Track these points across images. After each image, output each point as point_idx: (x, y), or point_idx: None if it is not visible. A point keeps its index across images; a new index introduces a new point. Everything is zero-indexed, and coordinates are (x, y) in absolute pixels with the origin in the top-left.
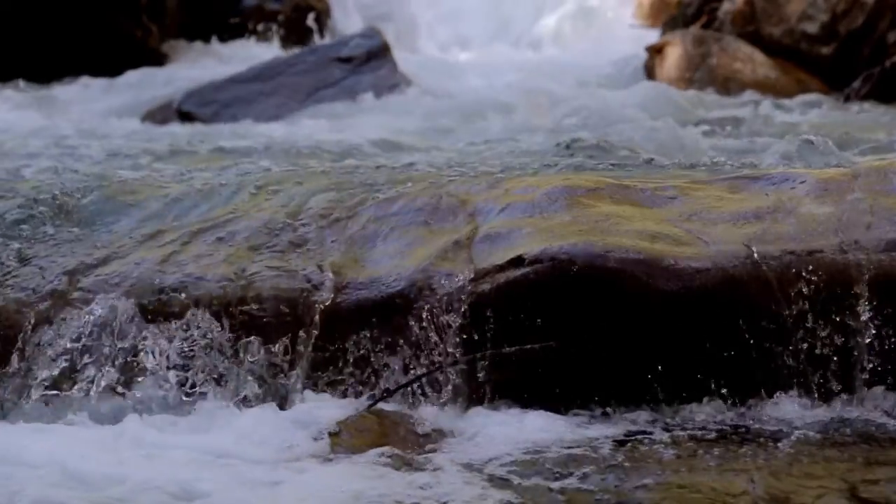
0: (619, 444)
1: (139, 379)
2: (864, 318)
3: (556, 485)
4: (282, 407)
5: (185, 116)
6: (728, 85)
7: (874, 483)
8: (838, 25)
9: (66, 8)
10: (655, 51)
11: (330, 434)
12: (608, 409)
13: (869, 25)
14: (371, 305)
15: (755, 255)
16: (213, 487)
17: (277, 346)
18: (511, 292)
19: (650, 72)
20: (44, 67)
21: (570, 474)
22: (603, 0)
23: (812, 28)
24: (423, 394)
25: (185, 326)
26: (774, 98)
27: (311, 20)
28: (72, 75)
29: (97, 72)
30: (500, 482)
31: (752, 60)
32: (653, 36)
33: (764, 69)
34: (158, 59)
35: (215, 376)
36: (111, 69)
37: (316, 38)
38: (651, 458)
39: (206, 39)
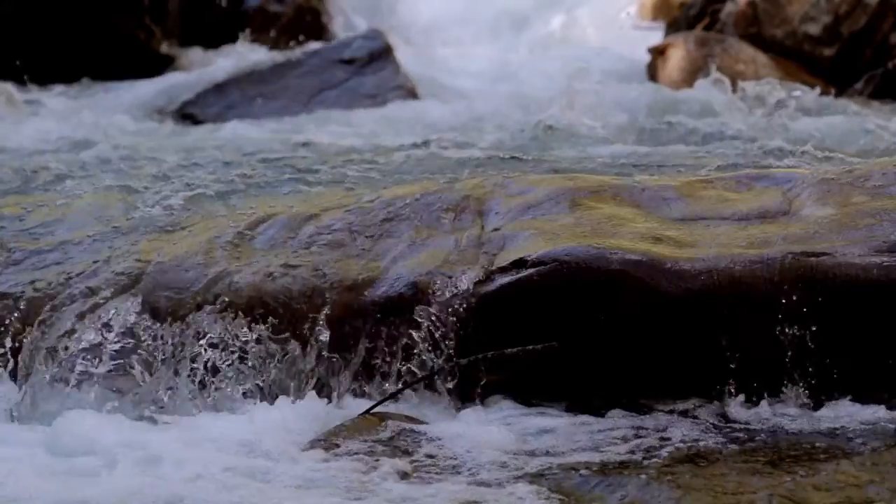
0: (619, 445)
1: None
2: (866, 319)
3: (559, 486)
4: (284, 407)
5: (189, 118)
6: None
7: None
8: (841, 27)
9: (68, 10)
10: (658, 52)
11: (330, 435)
12: (609, 411)
13: (871, 27)
14: (374, 306)
15: (757, 256)
16: (204, 485)
17: (280, 345)
18: (514, 294)
19: (653, 73)
20: (45, 69)
21: (574, 475)
22: (606, 0)
23: (814, 30)
24: (427, 395)
25: (191, 324)
26: (776, 99)
27: (313, 21)
28: (73, 77)
29: (99, 74)
30: (501, 482)
31: (754, 62)
32: (655, 37)
33: (766, 71)
34: (161, 61)
35: (218, 374)
36: (113, 71)
37: (318, 40)
38: (653, 459)
39: (209, 41)
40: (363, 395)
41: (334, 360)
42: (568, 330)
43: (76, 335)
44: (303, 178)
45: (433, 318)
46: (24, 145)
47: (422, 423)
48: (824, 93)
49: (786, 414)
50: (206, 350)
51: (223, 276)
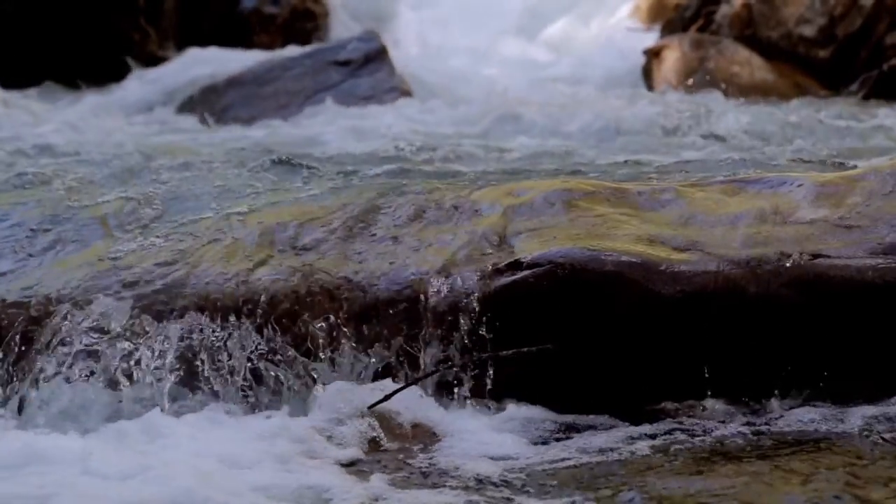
0: (614, 446)
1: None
2: (861, 320)
3: (554, 487)
4: (279, 407)
5: (184, 119)
6: (726, 88)
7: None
8: (836, 28)
9: (64, 10)
10: (653, 54)
11: (326, 436)
12: (604, 412)
13: (867, 28)
14: (370, 307)
15: (752, 258)
16: (195, 483)
17: (281, 346)
18: (509, 295)
19: (648, 75)
20: (41, 70)
21: (572, 476)
22: (601, 2)
23: (809, 31)
24: (422, 395)
25: (192, 326)
26: (772, 101)
27: (308, 23)
28: (69, 78)
29: (95, 75)
30: (496, 483)
31: (749, 64)
32: (651, 39)
33: (762, 72)
34: (156, 62)
35: (224, 374)
36: (109, 72)
37: (314, 41)
38: (647, 461)
39: (204, 42)
40: (361, 394)
41: (334, 359)
42: (563, 332)
43: (71, 339)
44: (298, 180)
45: (431, 319)
46: (17, 147)
47: (415, 421)
48: (819, 95)
49: (783, 414)
50: (207, 352)
51: (222, 277)
